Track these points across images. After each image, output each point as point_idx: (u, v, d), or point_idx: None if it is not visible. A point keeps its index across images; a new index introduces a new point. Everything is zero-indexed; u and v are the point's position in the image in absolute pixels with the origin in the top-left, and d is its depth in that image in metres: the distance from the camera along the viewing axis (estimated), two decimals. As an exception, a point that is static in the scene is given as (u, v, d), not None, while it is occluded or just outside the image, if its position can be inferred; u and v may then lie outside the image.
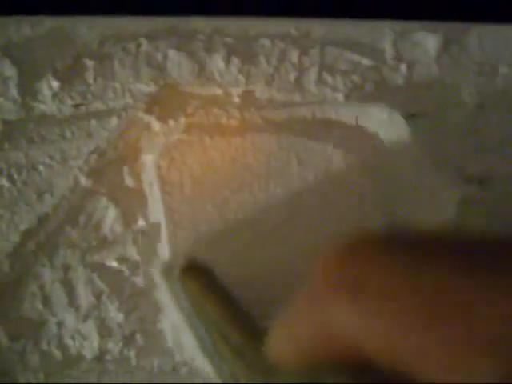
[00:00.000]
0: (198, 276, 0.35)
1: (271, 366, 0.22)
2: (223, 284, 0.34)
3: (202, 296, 0.34)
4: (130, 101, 0.42)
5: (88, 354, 0.37)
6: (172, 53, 0.43)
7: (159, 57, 0.43)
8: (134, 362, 0.37)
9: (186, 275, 0.35)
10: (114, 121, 0.41)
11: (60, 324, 0.38)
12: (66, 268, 0.39)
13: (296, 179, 0.39)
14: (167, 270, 0.37)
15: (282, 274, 0.37)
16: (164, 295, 0.37)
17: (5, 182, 0.40)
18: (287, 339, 0.21)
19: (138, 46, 0.43)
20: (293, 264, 0.38)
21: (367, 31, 0.43)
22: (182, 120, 0.41)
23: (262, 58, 0.42)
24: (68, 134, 0.41)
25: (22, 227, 0.39)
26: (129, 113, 0.42)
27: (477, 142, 0.40)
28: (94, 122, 0.42)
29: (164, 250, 0.38)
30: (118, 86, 0.42)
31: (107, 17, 0.45)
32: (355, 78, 0.42)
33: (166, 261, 0.38)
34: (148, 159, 0.40)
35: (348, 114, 0.41)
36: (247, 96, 0.42)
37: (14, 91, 0.43)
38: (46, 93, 0.43)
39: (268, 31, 0.43)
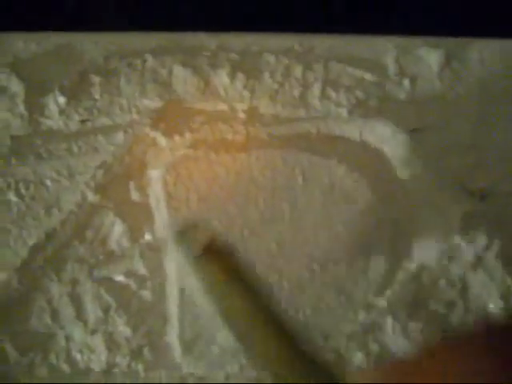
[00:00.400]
0: (216, 257, 0.31)
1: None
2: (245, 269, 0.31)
3: (221, 280, 0.31)
4: (136, 116, 0.42)
5: (96, 367, 0.38)
6: (177, 69, 0.43)
7: (164, 73, 0.43)
8: (141, 374, 0.37)
9: (205, 254, 0.31)
10: (120, 136, 0.42)
11: (68, 338, 0.38)
12: (74, 282, 0.39)
13: (301, 194, 0.39)
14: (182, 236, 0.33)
15: (286, 284, 0.38)
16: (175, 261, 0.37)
17: (13, 197, 0.41)
18: None
19: (144, 61, 0.44)
20: (297, 274, 0.38)
21: (370, 47, 0.44)
22: (188, 135, 0.41)
23: (266, 74, 0.43)
24: (75, 150, 0.42)
25: (30, 242, 0.40)
26: (135, 128, 0.42)
27: (479, 157, 0.41)
28: (100, 137, 0.42)
29: (170, 265, 0.39)
30: (124, 101, 0.43)
31: (112, 33, 0.45)
32: (358, 93, 0.42)
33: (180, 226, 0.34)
34: (154, 174, 0.41)
35: (352, 129, 0.42)
36: (252, 111, 0.42)
37: (21, 107, 0.43)
38: (53, 108, 0.43)
39: (272, 47, 0.44)
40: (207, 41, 0.44)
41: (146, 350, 0.38)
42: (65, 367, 0.38)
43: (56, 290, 0.39)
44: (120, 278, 0.39)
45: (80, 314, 0.39)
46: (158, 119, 0.42)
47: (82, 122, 0.43)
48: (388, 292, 0.37)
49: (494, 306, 0.37)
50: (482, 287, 0.37)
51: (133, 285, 0.39)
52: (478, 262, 0.38)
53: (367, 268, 0.38)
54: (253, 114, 0.42)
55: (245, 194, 0.39)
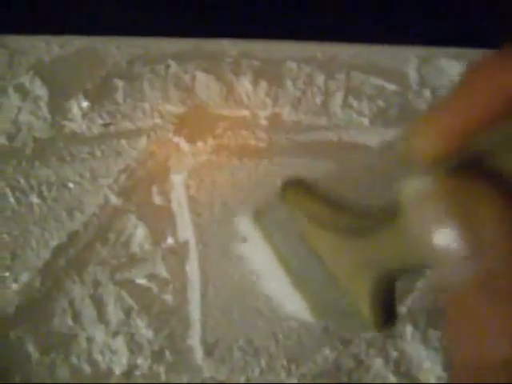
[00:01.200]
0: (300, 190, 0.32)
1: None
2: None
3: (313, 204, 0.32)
4: (158, 121, 0.43)
5: (117, 369, 0.38)
6: (200, 75, 0.44)
7: (187, 78, 0.44)
8: (163, 377, 0.38)
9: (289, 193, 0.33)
10: (143, 141, 0.42)
11: (90, 339, 0.38)
12: (96, 284, 0.39)
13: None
14: (259, 214, 0.36)
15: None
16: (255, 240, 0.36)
17: (35, 199, 0.41)
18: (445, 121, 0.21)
19: (167, 67, 0.44)
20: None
21: (392, 57, 0.44)
22: (211, 141, 0.42)
23: (288, 82, 0.43)
24: (98, 153, 0.42)
25: (53, 244, 0.40)
26: (158, 133, 0.43)
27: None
28: (123, 141, 0.43)
29: (193, 269, 0.39)
30: (147, 106, 0.43)
31: (136, 37, 0.46)
32: (380, 102, 0.43)
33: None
34: (177, 179, 0.41)
35: (373, 138, 0.42)
36: (274, 118, 0.43)
37: (44, 110, 0.44)
38: (76, 112, 0.44)
39: (294, 55, 0.44)
40: (230, 47, 0.45)
41: (167, 353, 0.38)
42: (86, 368, 0.38)
43: (78, 291, 0.39)
44: (142, 281, 0.40)
45: (102, 316, 0.39)
46: (181, 125, 0.43)
47: (105, 125, 0.43)
48: (408, 299, 0.37)
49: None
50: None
51: (154, 288, 0.39)
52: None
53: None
54: (275, 121, 0.43)
55: (267, 199, 0.40)
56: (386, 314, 0.28)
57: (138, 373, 0.38)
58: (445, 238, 0.19)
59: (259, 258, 0.36)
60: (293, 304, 0.34)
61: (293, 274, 0.33)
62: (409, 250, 0.23)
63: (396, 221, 0.23)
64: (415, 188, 0.21)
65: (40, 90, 0.44)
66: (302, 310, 0.34)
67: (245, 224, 0.36)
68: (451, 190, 0.20)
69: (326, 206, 0.30)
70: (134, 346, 0.38)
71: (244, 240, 0.37)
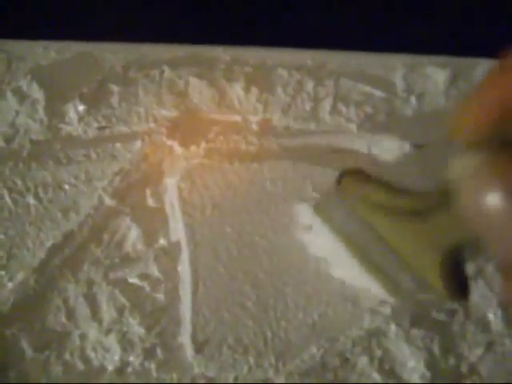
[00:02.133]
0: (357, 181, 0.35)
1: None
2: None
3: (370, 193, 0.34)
4: (153, 125, 0.44)
5: (110, 365, 0.39)
6: (193, 80, 0.45)
7: (181, 84, 0.45)
8: (154, 374, 0.38)
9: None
10: (137, 144, 0.44)
11: (83, 336, 0.39)
12: (90, 283, 0.40)
13: (311, 202, 0.41)
14: (320, 204, 0.38)
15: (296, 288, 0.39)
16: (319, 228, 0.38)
17: (31, 200, 0.42)
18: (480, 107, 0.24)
19: (161, 72, 0.45)
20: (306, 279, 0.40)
21: (379, 64, 0.45)
22: (203, 145, 0.43)
23: (279, 88, 0.45)
24: (93, 156, 0.44)
25: (48, 243, 0.41)
26: (152, 137, 0.44)
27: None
28: (118, 144, 0.44)
29: (184, 269, 0.40)
30: (141, 110, 0.44)
31: (131, 43, 0.47)
32: (368, 108, 0.44)
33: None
34: (170, 182, 0.42)
35: (360, 143, 0.43)
36: (265, 124, 0.44)
37: (41, 113, 0.45)
38: (73, 115, 0.45)
39: (285, 62, 0.45)
40: (223, 54, 0.46)
41: (158, 350, 0.39)
42: (79, 365, 0.39)
43: (72, 290, 0.40)
44: (134, 280, 0.40)
45: (95, 314, 0.40)
46: (175, 129, 0.44)
47: (100, 129, 0.44)
48: (392, 300, 0.38)
49: (493, 315, 0.38)
50: (482, 297, 0.39)
51: (147, 287, 0.40)
52: (479, 273, 0.39)
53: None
54: (265, 126, 0.44)
55: (257, 202, 0.41)
56: (458, 287, 0.30)
57: (129, 369, 0.38)
58: (497, 205, 0.21)
59: (324, 244, 0.37)
60: (363, 283, 0.36)
61: (360, 256, 0.35)
62: (466, 226, 0.25)
63: (451, 199, 0.25)
64: (465, 164, 0.23)
65: (37, 93, 0.45)
66: (373, 287, 0.35)
67: (307, 214, 0.38)
68: (498, 163, 0.22)
69: (385, 191, 0.32)
70: (126, 344, 0.39)
71: (308, 228, 0.39)
